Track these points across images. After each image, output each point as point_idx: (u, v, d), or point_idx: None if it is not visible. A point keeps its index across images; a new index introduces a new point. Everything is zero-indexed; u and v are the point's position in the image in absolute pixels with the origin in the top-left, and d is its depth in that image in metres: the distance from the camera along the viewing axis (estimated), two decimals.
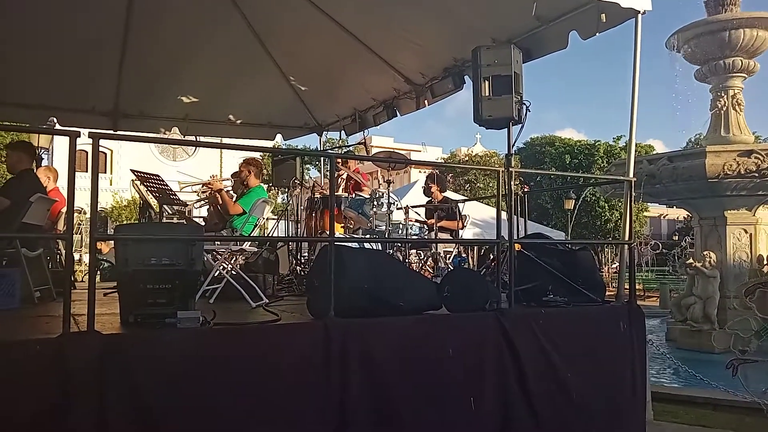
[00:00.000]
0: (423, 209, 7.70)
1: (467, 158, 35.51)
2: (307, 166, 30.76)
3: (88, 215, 3.05)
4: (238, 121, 9.11)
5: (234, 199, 6.15)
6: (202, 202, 6.52)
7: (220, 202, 5.83)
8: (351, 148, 9.16)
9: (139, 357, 2.89)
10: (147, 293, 3.38)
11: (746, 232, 9.26)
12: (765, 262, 8.74)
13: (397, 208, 6.36)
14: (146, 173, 5.90)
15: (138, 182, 5.72)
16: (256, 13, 7.10)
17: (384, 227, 5.77)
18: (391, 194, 5.83)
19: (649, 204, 30.23)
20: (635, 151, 5.10)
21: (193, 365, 3.00)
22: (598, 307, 4.67)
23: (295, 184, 7.19)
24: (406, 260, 6.05)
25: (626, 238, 4.89)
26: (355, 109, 8.49)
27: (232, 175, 6.98)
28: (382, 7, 6.32)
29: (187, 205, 6.10)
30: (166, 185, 5.90)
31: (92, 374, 2.76)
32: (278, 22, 7.14)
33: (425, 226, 6.52)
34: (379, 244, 5.69)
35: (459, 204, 7.45)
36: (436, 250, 6.58)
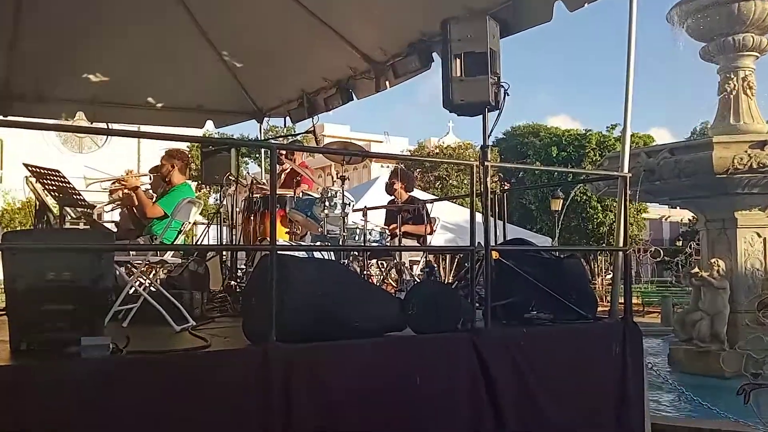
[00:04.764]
0: (384, 211, 7.72)
1: (438, 150, 35.74)
2: (245, 159, 30.48)
3: None
4: (159, 105, 8.98)
5: (153, 199, 6.06)
6: (114, 204, 6.40)
7: (136, 202, 5.74)
8: (298, 137, 9.11)
9: (33, 394, 2.82)
10: (43, 316, 3.31)
11: (759, 236, 9.50)
12: None
13: (354, 210, 6.35)
14: (44, 168, 5.76)
15: (33, 179, 5.59)
16: None
17: (338, 232, 5.76)
18: (346, 193, 5.83)
19: (648, 204, 30.96)
20: (631, 143, 5.21)
21: (101, 402, 2.95)
22: (589, 325, 4.76)
23: (229, 181, 7.11)
24: (365, 272, 6.05)
25: (621, 243, 5.00)
26: (302, 91, 8.45)
27: (151, 171, 6.87)
28: None
29: (95, 207, 5.98)
30: (69, 183, 5.77)
31: None
32: None
33: (387, 231, 6.54)
34: (332, 252, 5.68)
35: (428, 205, 7.49)
36: (400, 259, 6.60)
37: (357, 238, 5.98)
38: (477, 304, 4.51)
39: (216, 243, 8.01)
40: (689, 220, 40.28)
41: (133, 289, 4.80)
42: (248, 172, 17.28)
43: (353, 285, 4.20)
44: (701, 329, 9.15)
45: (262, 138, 10.01)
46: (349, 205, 5.90)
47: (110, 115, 8.90)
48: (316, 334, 3.64)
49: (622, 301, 4.93)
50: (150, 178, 6.79)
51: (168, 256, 5.13)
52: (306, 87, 8.40)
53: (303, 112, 8.55)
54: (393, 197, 7.63)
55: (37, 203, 6.09)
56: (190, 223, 5.61)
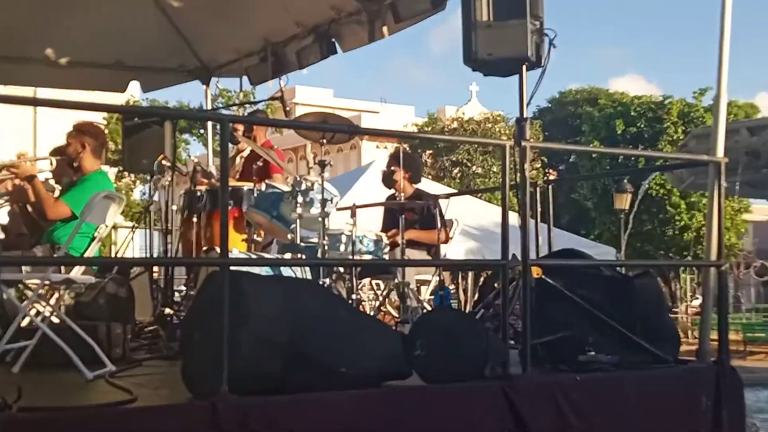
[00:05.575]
0: (381, 210, 7.73)
1: (456, 125, 35.83)
2: (185, 136, 30.48)
3: None
4: (63, 61, 8.98)
5: (56, 193, 6.05)
6: (1, 200, 6.40)
7: (32, 197, 5.73)
8: (260, 106, 9.13)
9: None
10: None
11: None
12: None
13: (338, 209, 6.36)
14: None
15: None
16: None
17: (315, 240, 5.77)
18: (327, 185, 5.84)
19: (751, 201, 31.06)
20: (729, 114, 5.23)
21: None
22: (669, 371, 4.77)
23: (162, 167, 7.12)
24: (354, 296, 6.07)
25: (714, 257, 5.01)
26: (266, 41, 8.47)
27: (53, 153, 6.88)
28: None
29: None
30: None
31: None
32: None
33: (385, 239, 6.56)
34: (308, 268, 5.69)
35: (442, 202, 7.50)
36: (404, 278, 6.62)
37: (343, 248, 5.99)
38: (511, 341, 4.52)
39: (144, 255, 8.01)
40: None
41: (27, 319, 4.80)
42: (189, 156, 17.31)
43: (337, 314, 4.20)
44: None
45: (210, 107, 10.00)
46: (332, 201, 5.91)
47: None
48: (284, 383, 3.65)
49: (715, 336, 4.94)
50: (51, 164, 6.78)
51: (77, 272, 5.13)
52: (271, 34, 8.41)
53: (266, 70, 8.56)
54: (393, 191, 7.64)
55: None
56: (107, 226, 5.61)
